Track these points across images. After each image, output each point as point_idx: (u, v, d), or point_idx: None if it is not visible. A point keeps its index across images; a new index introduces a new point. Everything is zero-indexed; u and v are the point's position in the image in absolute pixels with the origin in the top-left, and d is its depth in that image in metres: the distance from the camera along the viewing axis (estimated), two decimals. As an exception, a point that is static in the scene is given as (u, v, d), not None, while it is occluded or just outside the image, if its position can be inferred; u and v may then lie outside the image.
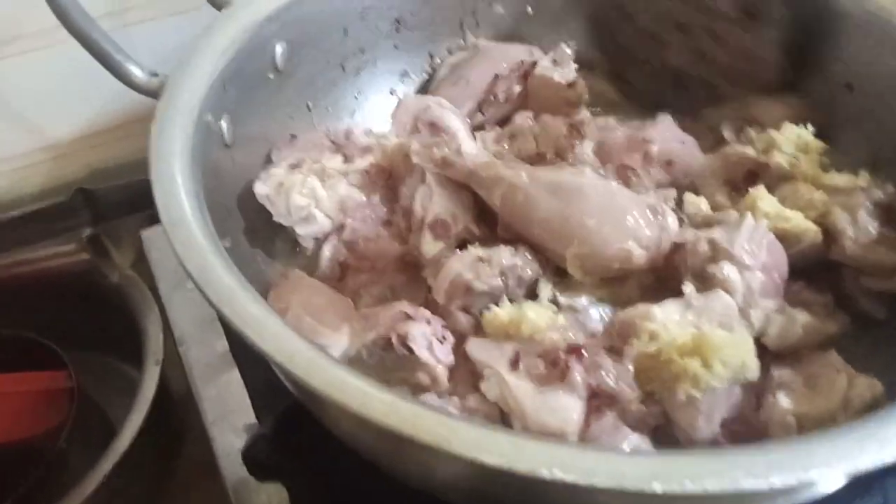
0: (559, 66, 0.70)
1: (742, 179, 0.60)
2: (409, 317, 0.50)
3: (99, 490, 0.62)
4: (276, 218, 0.61)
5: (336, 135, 0.66)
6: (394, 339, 0.49)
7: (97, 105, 0.82)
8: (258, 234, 0.60)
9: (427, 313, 0.52)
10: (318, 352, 0.38)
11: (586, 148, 0.61)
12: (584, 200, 0.53)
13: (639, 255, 0.52)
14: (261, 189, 0.59)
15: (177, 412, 0.72)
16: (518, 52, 0.71)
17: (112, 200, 0.81)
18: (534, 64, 0.71)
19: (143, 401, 0.66)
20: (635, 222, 0.53)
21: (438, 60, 0.75)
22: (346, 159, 0.64)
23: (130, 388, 0.69)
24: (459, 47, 0.75)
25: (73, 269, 0.77)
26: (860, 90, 0.63)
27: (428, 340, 0.50)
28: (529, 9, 0.75)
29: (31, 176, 0.82)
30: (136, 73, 0.54)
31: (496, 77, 0.69)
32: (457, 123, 0.60)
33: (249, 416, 0.61)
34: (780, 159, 0.59)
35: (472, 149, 0.58)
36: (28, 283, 0.77)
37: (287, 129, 0.66)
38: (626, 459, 0.34)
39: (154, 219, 0.71)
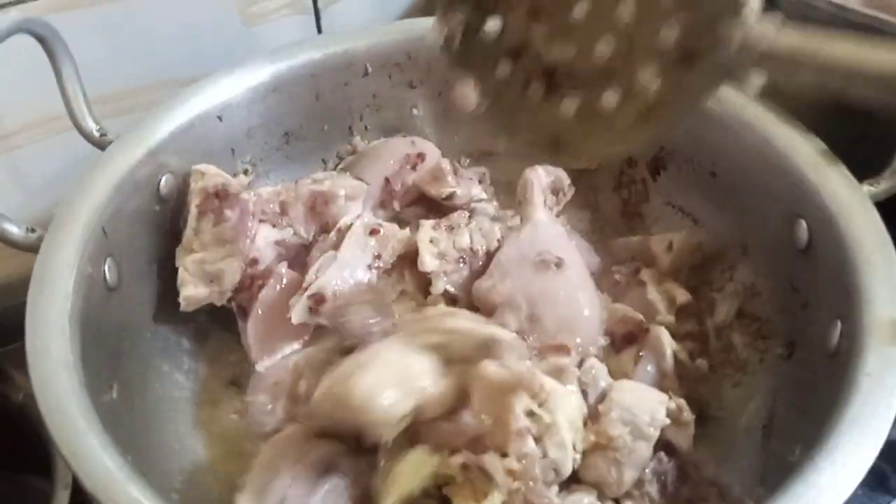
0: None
1: (621, 336, 0.62)
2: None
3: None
4: None
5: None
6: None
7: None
8: (148, 373, 0.60)
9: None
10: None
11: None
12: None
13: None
14: None
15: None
16: (402, 147, 0.74)
17: (11, 319, 0.80)
18: (419, 155, 0.74)
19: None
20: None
21: (332, 165, 0.78)
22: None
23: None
24: (347, 152, 0.77)
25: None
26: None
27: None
28: (415, 111, 0.78)
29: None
30: (13, 231, 0.55)
31: (386, 179, 0.71)
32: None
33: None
34: (659, 335, 0.61)
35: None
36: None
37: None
38: None
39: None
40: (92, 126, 0.63)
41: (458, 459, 0.50)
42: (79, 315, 0.52)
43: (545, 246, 0.64)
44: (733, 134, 0.65)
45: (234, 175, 0.69)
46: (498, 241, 0.65)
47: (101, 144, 0.63)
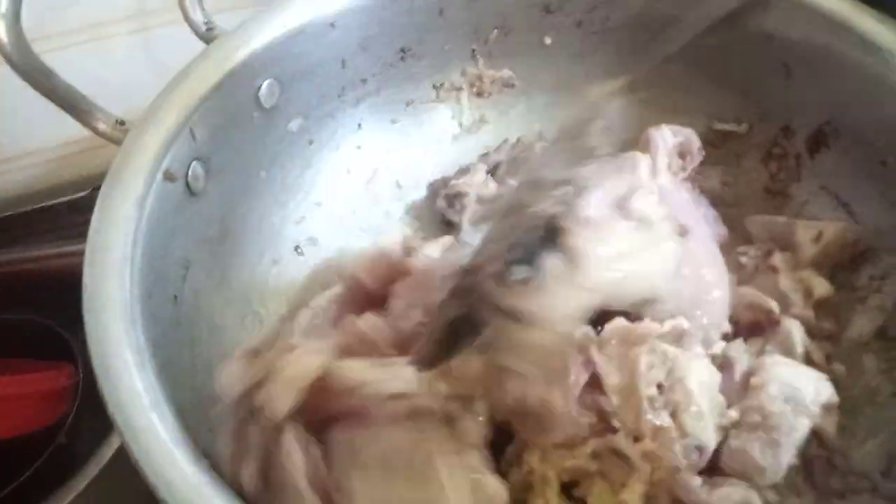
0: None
1: (746, 325, 0.54)
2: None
3: (101, 476, 0.65)
4: None
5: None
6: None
7: (127, 100, 0.83)
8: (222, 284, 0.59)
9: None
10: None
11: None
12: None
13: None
14: None
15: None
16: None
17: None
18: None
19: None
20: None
21: (446, 89, 0.72)
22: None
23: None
24: (474, 76, 0.72)
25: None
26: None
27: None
28: (548, 39, 0.70)
29: (58, 169, 0.84)
30: (102, 121, 0.54)
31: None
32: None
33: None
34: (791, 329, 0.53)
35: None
36: (42, 277, 0.80)
37: (279, 166, 0.65)
38: None
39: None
40: (200, 18, 0.60)
41: (586, 448, 0.46)
42: (150, 217, 0.50)
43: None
44: (921, 118, 0.53)
45: (343, 90, 0.66)
46: None
47: (207, 39, 0.60)
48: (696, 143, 0.63)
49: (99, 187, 0.77)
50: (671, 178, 0.60)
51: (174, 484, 0.37)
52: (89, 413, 0.70)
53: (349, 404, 0.45)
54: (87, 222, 0.80)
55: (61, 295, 0.76)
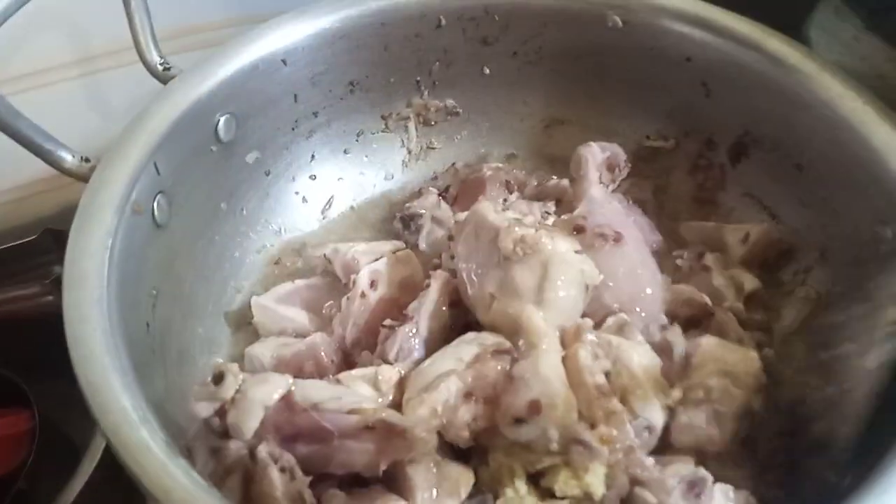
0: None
1: (684, 320, 0.59)
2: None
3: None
4: None
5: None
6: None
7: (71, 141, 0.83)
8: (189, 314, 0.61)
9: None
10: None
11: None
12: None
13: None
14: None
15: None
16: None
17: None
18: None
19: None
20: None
21: (393, 121, 0.76)
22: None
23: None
24: (420, 106, 0.76)
25: (37, 310, 0.79)
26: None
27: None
28: (487, 69, 0.75)
29: (5, 214, 0.84)
30: (67, 159, 0.56)
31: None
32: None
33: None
34: (725, 320, 0.58)
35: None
36: (-7, 324, 0.79)
37: (238, 197, 0.68)
38: None
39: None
40: (156, 59, 0.62)
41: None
42: (121, 249, 0.52)
43: (601, 221, 0.60)
44: (827, 125, 0.59)
45: (296, 123, 0.69)
46: None
47: (163, 79, 0.62)
48: (622, 156, 0.67)
49: (49, 230, 0.79)
50: (603, 189, 0.65)
51: (171, 492, 0.38)
52: (48, 457, 0.70)
53: (312, 420, 0.48)
54: (38, 266, 0.82)
55: (14, 340, 0.77)
